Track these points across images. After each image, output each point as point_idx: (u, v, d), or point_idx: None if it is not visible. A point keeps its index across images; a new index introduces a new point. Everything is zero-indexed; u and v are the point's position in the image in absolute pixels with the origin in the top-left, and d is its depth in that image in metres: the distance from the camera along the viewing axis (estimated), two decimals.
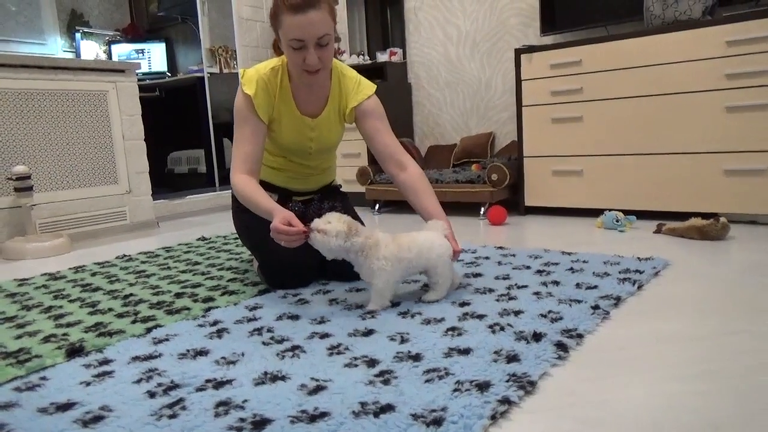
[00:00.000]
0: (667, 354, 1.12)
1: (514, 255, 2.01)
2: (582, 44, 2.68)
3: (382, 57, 3.80)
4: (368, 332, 1.30)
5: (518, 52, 2.88)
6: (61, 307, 1.68)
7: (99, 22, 4.58)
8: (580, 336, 1.21)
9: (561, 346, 1.14)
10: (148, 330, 1.41)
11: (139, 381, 1.10)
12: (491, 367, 1.06)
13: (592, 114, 2.70)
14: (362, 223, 1.63)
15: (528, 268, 1.81)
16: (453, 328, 1.28)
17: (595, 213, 2.71)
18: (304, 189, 1.87)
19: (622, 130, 2.63)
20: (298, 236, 1.40)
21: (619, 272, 1.69)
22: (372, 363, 1.11)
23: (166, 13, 4.79)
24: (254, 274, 1.94)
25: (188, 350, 1.24)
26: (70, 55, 4.30)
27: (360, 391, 0.99)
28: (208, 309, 1.56)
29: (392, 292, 1.47)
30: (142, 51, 4.67)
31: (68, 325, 1.49)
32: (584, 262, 1.84)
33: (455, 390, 0.97)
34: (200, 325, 1.42)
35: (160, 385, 1.07)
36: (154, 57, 4.71)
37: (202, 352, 1.23)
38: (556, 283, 1.61)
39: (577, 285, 1.58)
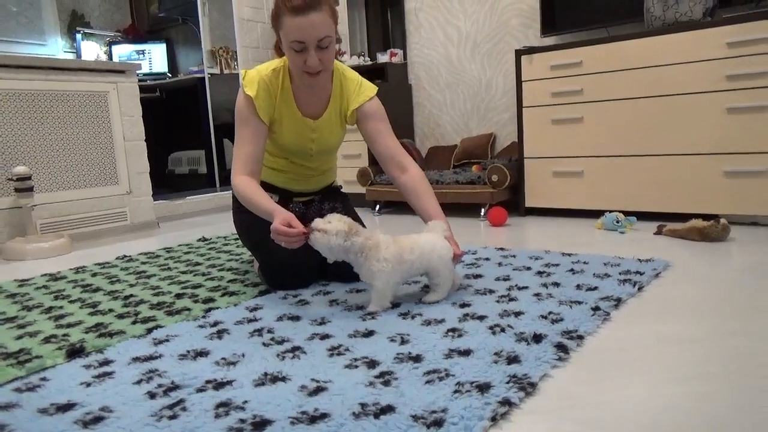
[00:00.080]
0: (668, 355, 1.12)
1: (514, 256, 2.01)
2: (582, 45, 2.68)
3: (383, 58, 3.80)
4: (369, 333, 1.30)
5: (519, 54, 2.88)
6: (61, 307, 1.68)
7: (100, 22, 4.58)
8: (580, 337, 1.21)
9: (561, 348, 1.14)
10: (149, 331, 1.41)
11: (139, 382, 1.10)
12: (491, 368, 1.06)
13: (593, 115, 2.70)
14: (363, 225, 1.63)
15: (528, 269, 1.81)
16: (453, 330, 1.28)
17: (595, 214, 2.71)
18: (305, 190, 1.87)
19: (622, 131, 2.63)
20: (299, 237, 1.40)
21: (620, 273, 1.69)
22: (372, 364, 1.11)
23: (166, 13, 4.79)
24: (255, 275, 1.94)
25: (188, 351, 1.24)
26: (71, 56, 4.30)
27: (360, 392, 0.99)
28: (209, 310, 1.56)
29: (392, 293, 1.47)
30: (143, 52, 4.67)
31: (69, 325, 1.49)
32: (585, 263, 1.84)
33: (456, 391, 0.97)
34: (201, 326, 1.42)
35: (160, 386, 1.07)
36: (154, 58, 4.71)
37: (202, 353, 1.23)
38: (556, 284, 1.61)
39: (578, 286, 1.58)
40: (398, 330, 1.31)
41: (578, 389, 0.99)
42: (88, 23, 4.49)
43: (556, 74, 2.77)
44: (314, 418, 0.91)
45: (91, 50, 4.44)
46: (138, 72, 3.25)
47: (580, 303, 1.42)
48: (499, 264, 1.91)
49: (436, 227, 1.53)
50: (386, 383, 1.02)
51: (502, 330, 1.26)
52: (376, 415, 0.90)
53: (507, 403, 0.93)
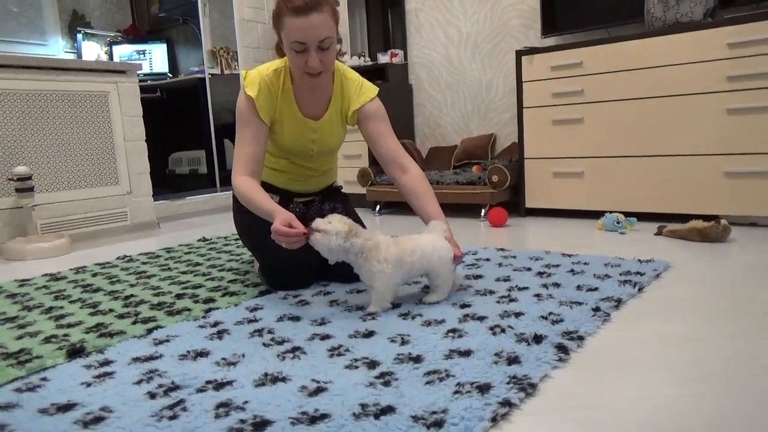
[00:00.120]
0: (668, 356, 1.12)
1: (514, 257, 2.01)
2: (583, 46, 2.68)
3: (383, 58, 3.80)
4: (369, 334, 1.30)
5: (519, 54, 2.88)
6: (61, 307, 1.68)
7: (100, 23, 4.58)
8: (580, 338, 1.21)
9: (562, 348, 1.14)
10: (149, 331, 1.41)
11: (139, 382, 1.10)
12: (492, 369, 1.06)
13: (593, 116, 2.70)
14: (363, 225, 1.63)
15: (529, 269, 1.81)
16: (454, 330, 1.28)
17: (595, 215, 2.70)
18: (306, 190, 1.87)
19: (623, 131, 2.63)
20: (299, 238, 1.40)
21: (620, 274, 1.69)
22: (372, 365, 1.11)
23: (167, 14, 4.79)
24: (255, 275, 1.94)
25: (189, 351, 1.24)
26: (72, 56, 4.30)
27: (360, 392, 0.99)
28: (209, 310, 1.56)
29: (393, 294, 1.47)
30: (144, 52, 4.67)
31: (69, 325, 1.49)
32: (585, 264, 1.84)
33: (456, 392, 0.97)
34: (201, 326, 1.42)
35: (160, 386, 1.07)
36: (155, 58, 4.71)
37: (202, 353, 1.23)
38: (556, 285, 1.61)
39: (578, 287, 1.58)
40: (398, 330, 1.31)
41: (579, 390, 0.99)
42: (89, 23, 4.49)
43: (556, 75, 2.77)
44: (314, 419, 0.91)
45: (92, 50, 4.44)
46: (138, 72, 3.25)
47: (580, 304, 1.42)
48: (500, 265, 1.91)
49: (436, 228, 1.53)
50: (386, 384, 1.02)
51: (503, 331, 1.26)
52: (377, 416, 0.90)
53: (507, 403, 0.93)
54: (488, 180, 2.94)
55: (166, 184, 4.53)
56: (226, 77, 4.37)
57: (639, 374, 1.05)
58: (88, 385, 1.10)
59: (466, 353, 1.14)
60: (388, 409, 0.92)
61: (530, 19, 3.29)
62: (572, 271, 1.76)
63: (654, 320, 1.33)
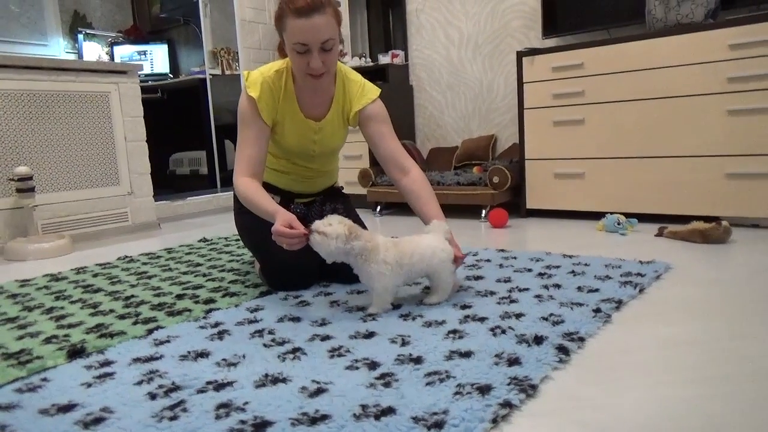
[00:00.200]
0: (669, 358, 1.12)
1: (515, 258, 2.01)
2: (584, 47, 2.68)
3: (384, 59, 3.81)
4: (369, 335, 1.30)
5: (520, 55, 2.88)
6: (62, 308, 1.68)
7: (101, 23, 4.59)
8: (581, 339, 1.20)
9: (562, 350, 1.14)
10: (149, 331, 1.41)
11: (140, 383, 1.10)
12: (492, 370, 1.06)
13: (594, 117, 2.70)
14: (364, 226, 1.63)
15: (529, 270, 1.81)
16: (454, 331, 1.28)
17: (596, 216, 2.70)
18: (307, 191, 1.87)
19: (623, 133, 2.62)
20: (299, 239, 1.40)
21: (621, 275, 1.69)
22: (373, 365, 1.11)
23: (168, 14, 4.80)
24: (255, 276, 1.94)
25: (189, 352, 1.24)
26: (73, 57, 4.31)
27: (361, 393, 0.99)
28: (210, 310, 1.56)
29: (393, 295, 1.47)
30: (145, 52, 4.67)
31: (69, 326, 1.49)
32: (586, 265, 1.84)
33: (456, 393, 0.97)
34: (201, 327, 1.42)
35: (161, 386, 1.07)
36: (156, 58, 4.71)
37: (203, 354, 1.23)
38: (557, 286, 1.61)
39: (579, 288, 1.57)
40: (399, 331, 1.30)
41: (579, 391, 0.99)
42: (90, 24, 4.50)
43: (557, 76, 2.77)
44: (315, 420, 0.91)
45: (93, 51, 4.45)
46: (139, 73, 3.26)
47: (581, 305, 1.42)
48: (500, 266, 1.91)
49: (437, 227, 1.53)
50: (387, 385, 1.02)
51: (503, 332, 1.26)
52: (377, 417, 0.90)
53: (508, 405, 0.93)
54: (489, 181, 2.94)
55: (167, 184, 4.53)
56: (226, 78, 4.37)
57: (640, 375, 1.04)
58: (89, 385, 1.10)
59: (467, 354, 1.14)
60: (389, 410, 0.92)
61: (531, 20, 3.29)
62: (573, 272, 1.76)
63: (655, 322, 1.33)
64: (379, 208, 3.45)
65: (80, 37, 4.36)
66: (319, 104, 1.70)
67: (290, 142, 1.71)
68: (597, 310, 1.37)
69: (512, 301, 1.49)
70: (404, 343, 1.23)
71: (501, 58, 3.46)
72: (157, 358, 1.22)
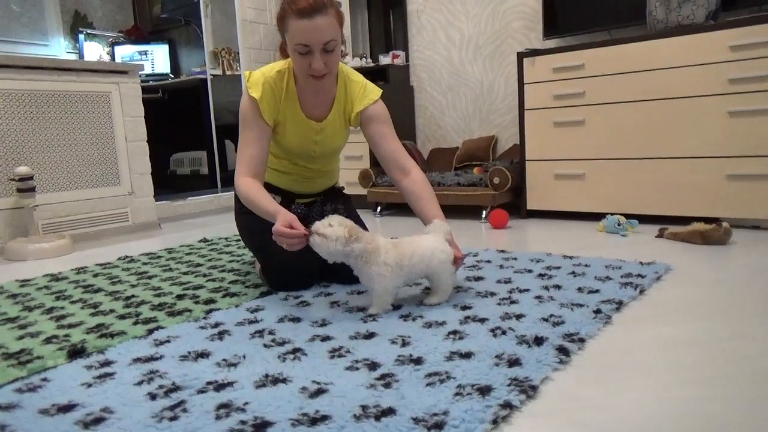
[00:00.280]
0: (669, 359, 1.12)
1: (515, 258, 2.01)
2: (585, 48, 2.68)
3: (385, 60, 3.81)
4: (369, 335, 1.30)
5: (521, 56, 2.88)
6: (62, 308, 1.68)
7: (102, 23, 4.59)
8: (581, 340, 1.20)
9: (563, 351, 1.14)
10: (150, 331, 1.41)
11: (140, 383, 1.10)
12: (493, 371, 1.06)
13: (595, 118, 2.70)
14: (365, 227, 1.63)
15: (530, 271, 1.81)
16: (454, 332, 1.28)
17: (597, 217, 2.70)
18: (308, 192, 1.87)
19: (624, 134, 2.62)
20: (299, 239, 1.40)
21: (621, 276, 1.68)
22: (373, 366, 1.11)
23: (169, 15, 4.80)
24: (256, 276, 1.94)
25: (189, 352, 1.24)
26: (74, 57, 4.31)
27: (361, 394, 0.99)
28: (210, 311, 1.56)
29: (393, 296, 1.47)
30: (145, 53, 4.68)
31: (70, 326, 1.49)
32: (586, 266, 1.84)
33: (457, 394, 0.97)
34: (201, 327, 1.42)
35: (161, 387, 1.07)
36: (157, 59, 4.72)
37: (203, 354, 1.23)
38: (557, 287, 1.61)
39: (579, 289, 1.57)
40: (399, 332, 1.30)
41: (579, 392, 0.99)
42: (91, 24, 4.50)
43: (558, 77, 2.77)
44: (315, 420, 0.91)
45: (94, 51, 4.45)
46: (140, 73, 3.26)
47: (581, 306, 1.42)
48: (501, 266, 1.91)
49: (437, 228, 1.53)
50: (387, 385, 1.02)
51: (503, 332, 1.26)
52: (377, 418, 0.90)
53: (508, 405, 0.93)
54: (489, 182, 2.94)
55: (168, 184, 4.53)
56: (227, 78, 4.37)
57: (640, 376, 1.04)
58: (89, 385, 1.10)
59: (467, 355, 1.14)
60: (389, 411, 0.92)
61: (532, 21, 3.30)
62: (573, 273, 1.76)
63: (655, 322, 1.33)
64: (379, 208, 3.45)
65: (81, 37, 4.37)
66: (321, 105, 1.70)
67: (291, 142, 1.71)
68: (597, 311, 1.37)
69: (512, 302, 1.49)
70: (404, 344, 1.23)
71: (501, 58, 3.46)
72: (157, 359, 1.22)
